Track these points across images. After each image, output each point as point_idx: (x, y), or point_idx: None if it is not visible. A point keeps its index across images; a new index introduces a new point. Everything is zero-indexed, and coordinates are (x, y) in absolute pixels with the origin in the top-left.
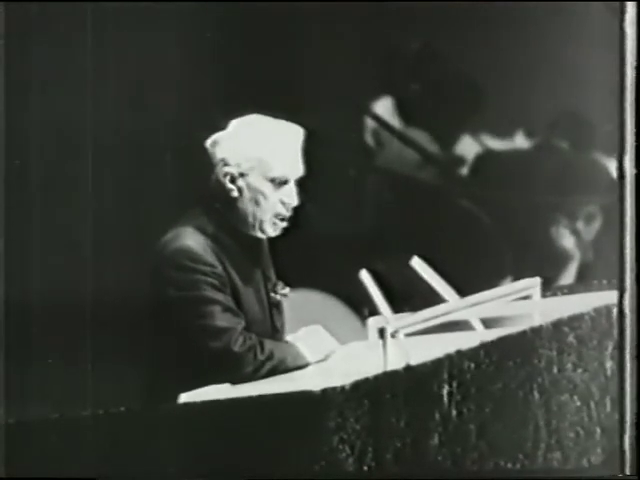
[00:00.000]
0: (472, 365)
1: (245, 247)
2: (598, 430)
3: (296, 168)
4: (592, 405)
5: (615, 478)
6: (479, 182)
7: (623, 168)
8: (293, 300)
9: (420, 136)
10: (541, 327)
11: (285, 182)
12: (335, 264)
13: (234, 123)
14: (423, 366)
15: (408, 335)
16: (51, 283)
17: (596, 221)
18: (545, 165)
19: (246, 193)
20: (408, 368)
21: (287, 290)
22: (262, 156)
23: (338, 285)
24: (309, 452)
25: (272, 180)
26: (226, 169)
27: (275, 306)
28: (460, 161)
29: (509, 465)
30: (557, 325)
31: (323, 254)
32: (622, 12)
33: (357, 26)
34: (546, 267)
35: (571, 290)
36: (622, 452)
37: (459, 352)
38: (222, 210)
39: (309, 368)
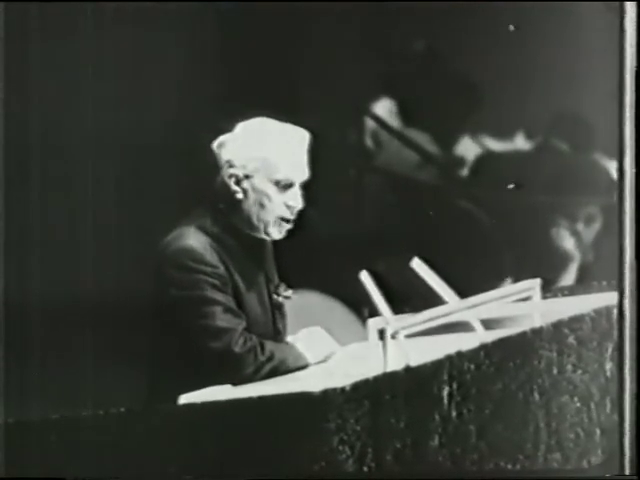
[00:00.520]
0: (472, 366)
1: (248, 248)
2: (598, 431)
3: (301, 171)
4: (592, 406)
5: (615, 479)
6: (479, 183)
7: (623, 169)
8: (293, 301)
9: (420, 137)
10: (541, 328)
11: (290, 185)
12: (335, 265)
13: (240, 126)
14: (423, 367)
15: (408, 336)
16: (51, 283)
17: (596, 222)
18: (545, 166)
19: (251, 195)
20: (408, 369)
21: (290, 292)
22: (268, 158)
23: (338, 286)
24: (309, 453)
25: (277, 183)
26: (231, 170)
27: (277, 308)
28: (460, 162)
29: (509, 466)
30: (557, 326)
31: (323, 255)
32: (622, 12)
33: (357, 26)
34: (546, 268)
35: (571, 291)
36: (622, 453)
37: (459, 353)
38: (226, 211)
39: (309, 369)
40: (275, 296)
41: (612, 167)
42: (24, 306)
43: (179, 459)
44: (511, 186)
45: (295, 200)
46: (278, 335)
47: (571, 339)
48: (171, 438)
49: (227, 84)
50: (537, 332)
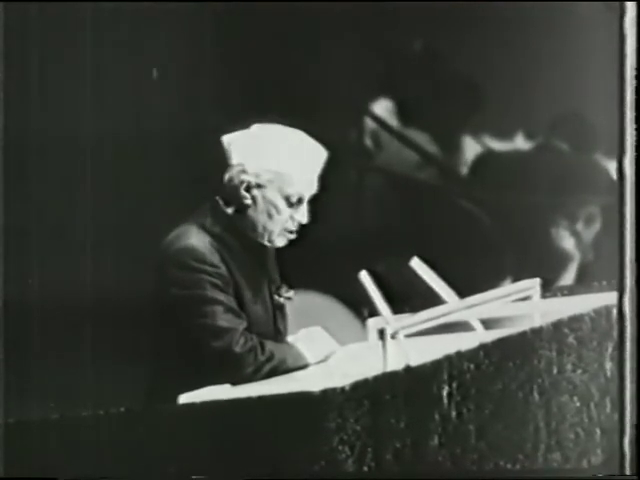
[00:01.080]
0: (472, 366)
1: (250, 249)
2: (598, 431)
3: (312, 188)
4: (592, 406)
5: (615, 478)
6: (479, 183)
7: (623, 169)
8: (293, 301)
9: (420, 137)
10: (541, 328)
11: (300, 201)
12: (335, 265)
13: (257, 128)
14: (423, 367)
15: (408, 336)
16: (52, 282)
17: (596, 222)
18: (545, 166)
19: (260, 204)
20: (408, 369)
21: (291, 293)
22: (283, 172)
23: (338, 286)
24: (309, 452)
25: (287, 197)
26: (243, 176)
27: (278, 308)
28: (460, 162)
29: (509, 466)
30: (557, 326)
31: (323, 255)
32: (622, 13)
33: (357, 27)
34: (546, 268)
35: (571, 291)
36: (622, 453)
37: (459, 353)
38: (231, 214)
39: (309, 369)
40: (276, 297)
41: (612, 167)
42: (24, 306)
43: (179, 459)
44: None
45: (302, 215)
46: (279, 335)
47: (571, 339)
48: (171, 438)
49: (228, 84)
50: (537, 332)
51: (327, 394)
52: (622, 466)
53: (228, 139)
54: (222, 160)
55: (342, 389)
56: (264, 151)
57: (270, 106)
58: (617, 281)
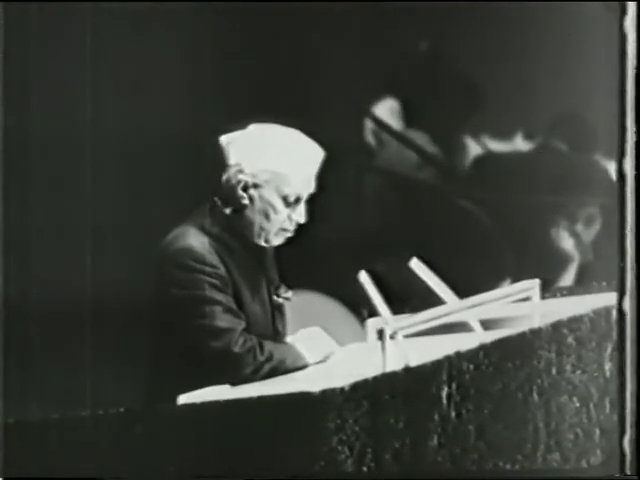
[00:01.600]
0: (471, 366)
1: (249, 249)
2: (597, 431)
3: (309, 188)
4: (591, 406)
5: (614, 479)
6: (479, 183)
7: (623, 170)
8: (292, 301)
9: (420, 137)
10: (540, 329)
11: (297, 200)
12: (334, 265)
13: (254, 128)
14: (422, 367)
15: (407, 336)
16: (51, 283)
17: (596, 223)
18: (545, 166)
19: (257, 204)
20: (407, 369)
21: (290, 293)
22: (280, 172)
23: (337, 286)
24: (308, 453)
25: (285, 197)
26: (240, 176)
27: (277, 309)
28: (460, 162)
29: (508, 466)
30: (556, 326)
31: (322, 255)
32: (622, 12)
33: (358, 27)
34: (546, 269)
35: (570, 292)
36: (621, 453)
37: (458, 353)
38: (229, 214)
39: (308, 369)
40: (275, 297)
41: (612, 168)
42: (24, 306)
43: (179, 459)
44: None
45: (299, 215)
46: (278, 335)
47: (570, 339)
48: (171, 438)
49: (229, 84)
50: (536, 332)
51: (326, 394)
52: (622, 466)
53: (226, 139)
54: (221, 160)
55: (341, 389)
56: (261, 151)
57: (270, 106)
58: (617, 282)
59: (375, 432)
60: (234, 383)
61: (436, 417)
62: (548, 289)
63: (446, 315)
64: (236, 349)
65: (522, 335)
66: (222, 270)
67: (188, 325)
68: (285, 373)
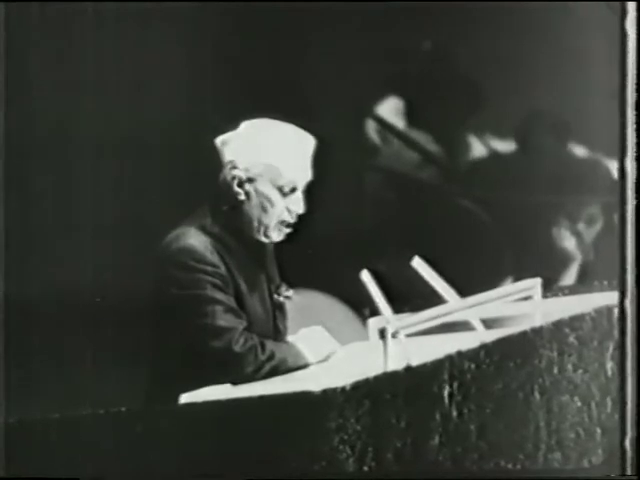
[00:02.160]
0: (473, 365)
1: (249, 248)
2: (599, 430)
3: (305, 176)
4: (593, 405)
5: (615, 478)
6: (480, 182)
7: (624, 169)
8: (294, 300)
9: (421, 136)
10: (542, 328)
11: (293, 190)
12: (336, 264)
13: (245, 125)
14: (423, 366)
15: (409, 335)
16: (51, 282)
17: (597, 222)
18: (546, 166)
19: (253, 198)
20: (409, 368)
21: (291, 292)
22: (272, 163)
23: (339, 285)
24: (309, 452)
25: (280, 188)
26: (234, 172)
27: (278, 308)
28: (462, 161)
29: (509, 465)
30: (558, 326)
31: (324, 254)
32: (623, 12)
33: (359, 27)
34: (547, 267)
35: (572, 291)
36: (623, 452)
37: (460, 352)
38: (227, 212)
39: (310, 368)
40: (276, 296)
41: (613, 167)
42: (24, 306)
43: (179, 459)
44: None
45: (297, 205)
46: (279, 335)
47: (572, 338)
48: (171, 438)
49: (230, 84)
50: (538, 331)
51: (328, 394)
52: (623, 466)
53: (220, 140)
54: (218, 161)
55: (343, 389)
56: (252, 145)
57: (271, 106)
58: (618, 281)
59: (376, 431)
60: (235, 382)
61: (437, 416)
62: (549, 288)
63: (448, 314)
64: (237, 348)
65: (523, 334)
66: (223, 269)
67: (189, 325)
68: (286, 372)
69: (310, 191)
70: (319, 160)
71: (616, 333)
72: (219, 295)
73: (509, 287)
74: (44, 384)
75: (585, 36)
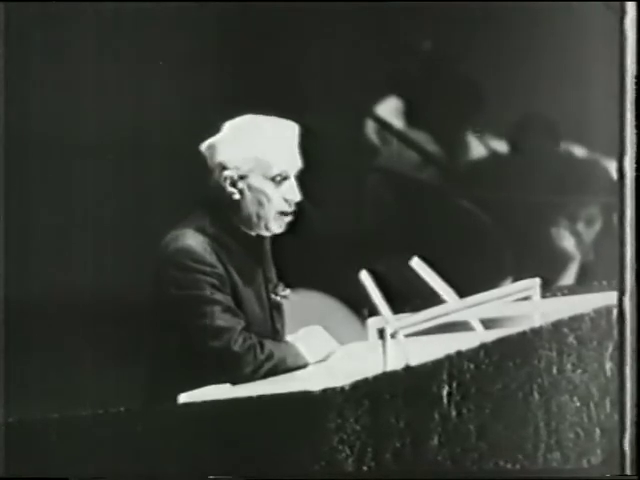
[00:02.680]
0: (472, 366)
1: (246, 248)
2: (598, 430)
3: (295, 163)
4: (592, 406)
5: (615, 478)
6: (479, 182)
7: (623, 169)
8: (293, 300)
9: (421, 136)
10: (541, 328)
11: (285, 178)
12: (335, 264)
13: (228, 126)
14: (423, 367)
15: (408, 336)
16: (51, 283)
17: (596, 222)
18: (545, 166)
19: (248, 195)
20: (408, 368)
21: (288, 292)
22: (260, 156)
23: (338, 285)
24: (309, 452)
25: (273, 179)
26: (225, 173)
27: (275, 307)
28: (461, 161)
29: (509, 465)
30: (557, 326)
31: (323, 254)
32: (622, 12)
33: (359, 27)
34: (546, 268)
35: (571, 291)
36: (622, 452)
37: (459, 353)
38: (225, 212)
39: (309, 368)
40: (273, 295)
41: (612, 167)
42: (24, 306)
43: (179, 459)
44: None
45: (293, 193)
46: (276, 334)
47: (571, 339)
48: (171, 438)
49: (229, 84)
50: (537, 332)
51: (327, 394)
52: (622, 466)
53: (206, 146)
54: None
55: (342, 389)
56: (238, 144)
57: (272, 106)
58: (617, 281)
59: (375, 431)
60: (234, 382)
61: (437, 416)
62: (549, 288)
63: (447, 314)
64: (236, 348)
65: (523, 334)
66: (221, 269)
67: (188, 325)
68: (285, 372)
69: (310, 191)
70: (318, 160)
71: (615, 333)
72: (217, 295)
73: (508, 287)
74: (44, 384)
75: (584, 36)
